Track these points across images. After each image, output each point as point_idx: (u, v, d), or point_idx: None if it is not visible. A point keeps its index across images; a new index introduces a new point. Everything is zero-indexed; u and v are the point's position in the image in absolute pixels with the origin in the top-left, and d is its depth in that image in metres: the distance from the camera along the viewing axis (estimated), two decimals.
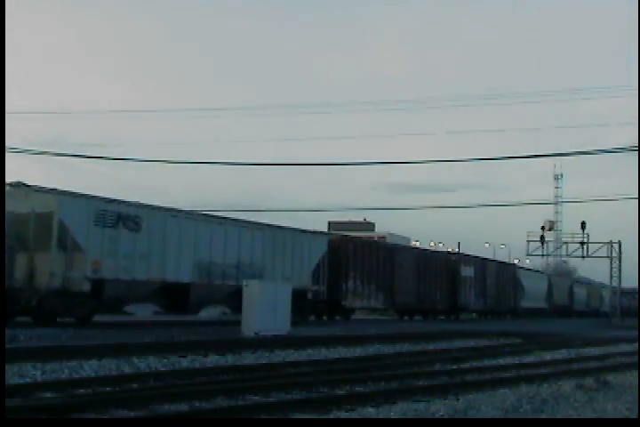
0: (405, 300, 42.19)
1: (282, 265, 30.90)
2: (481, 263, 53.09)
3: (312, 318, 34.05)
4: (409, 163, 73.22)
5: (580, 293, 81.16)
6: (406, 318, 46.24)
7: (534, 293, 63.31)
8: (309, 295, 32.49)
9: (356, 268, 37.10)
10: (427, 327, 33.87)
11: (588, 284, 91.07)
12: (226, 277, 28.34)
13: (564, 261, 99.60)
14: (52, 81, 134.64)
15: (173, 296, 26.61)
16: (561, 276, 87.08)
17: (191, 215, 28.15)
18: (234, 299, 27.16)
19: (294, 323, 25.68)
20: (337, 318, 37.34)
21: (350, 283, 36.42)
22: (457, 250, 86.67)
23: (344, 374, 14.17)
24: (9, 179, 21.07)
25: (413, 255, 44.48)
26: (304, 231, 33.53)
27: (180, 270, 26.41)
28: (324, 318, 35.91)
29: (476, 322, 48.14)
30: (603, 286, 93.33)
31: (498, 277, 54.83)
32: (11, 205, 22.44)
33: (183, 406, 10.29)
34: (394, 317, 46.61)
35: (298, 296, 28.99)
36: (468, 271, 49.60)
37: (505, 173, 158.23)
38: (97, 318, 25.67)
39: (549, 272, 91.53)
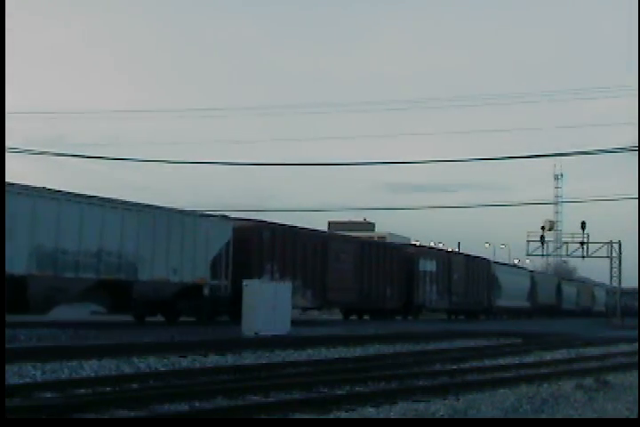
0: (343, 297, 36.15)
1: (166, 255, 26.17)
2: (445, 257, 47.82)
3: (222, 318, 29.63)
4: (409, 163, 72.95)
5: (569, 291, 76.63)
6: (354, 317, 41.54)
7: (513, 290, 57.88)
8: (206, 291, 27.71)
9: (275, 259, 31.13)
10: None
11: (580, 282, 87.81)
12: (80, 269, 23.39)
13: (564, 262, 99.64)
14: (53, 81, 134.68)
15: (8, 292, 20.83)
16: (551, 273, 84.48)
17: (27, 189, 22.37)
18: (106, 296, 24.16)
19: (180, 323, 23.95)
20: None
21: (265, 277, 29.52)
22: (457, 249, 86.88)
23: (344, 374, 14.17)
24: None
25: (354, 246, 37.58)
26: (200, 215, 28.94)
27: (13, 260, 21.06)
28: (227, 318, 29.59)
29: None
30: (596, 284, 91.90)
31: (468, 273, 49.26)
32: None
33: (183, 406, 10.29)
34: (338, 316, 42.21)
35: (189, 292, 26.48)
36: (428, 266, 43.83)
37: (505, 173, 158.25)
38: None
39: (550, 272, 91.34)
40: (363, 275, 37.68)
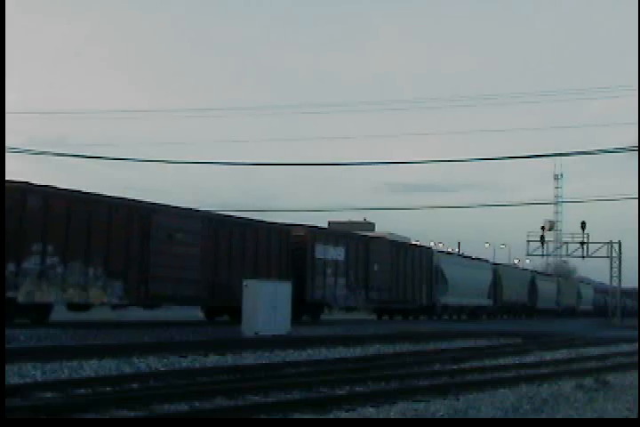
0: (179, 291, 26.93)
1: None
2: (360, 243, 37.07)
3: None
4: (409, 163, 73.19)
5: (547, 288, 68.09)
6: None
7: (466, 286, 48.71)
8: None
9: (49, 238, 22.74)
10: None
11: (563, 278, 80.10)
12: None
13: (564, 262, 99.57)
14: (54, 81, 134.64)
15: None
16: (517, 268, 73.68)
17: None
18: None
19: None
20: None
21: (33, 260, 22.16)
22: (457, 250, 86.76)
23: (344, 374, 14.17)
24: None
25: (200, 223, 28.17)
26: None
27: None
28: None
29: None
30: (582, 280, 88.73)
31: (396, 264, 39.73)
32: None
33: (183, 406, 10.29)
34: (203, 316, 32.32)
35: None
36: (331, 252, 34.17)
37: (505, 173, 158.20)
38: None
39: (550, 272, 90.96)
40: (217, 263, 28.50)
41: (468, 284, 48.98)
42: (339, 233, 37.19)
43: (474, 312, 52.17)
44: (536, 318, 64.56)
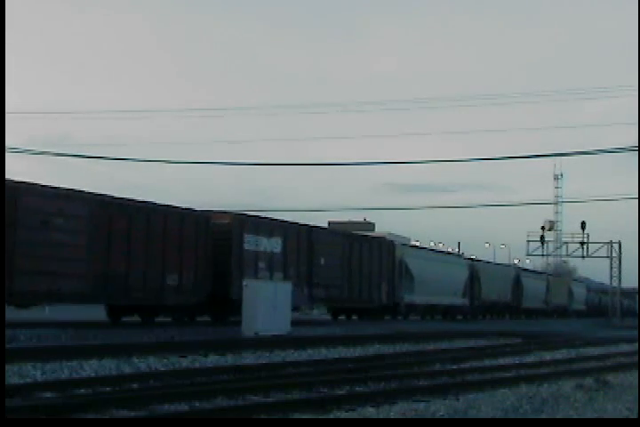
0: (36, 284, 21.98)
1: None
2: (301, 233, 32.16)
3: None
4: (409, 163, 73.00)
5: (534, 286, 63.28)
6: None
7: (437, 283, 43.81)
8: None
9: None
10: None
11: (553, 276, 76.09)
12: None
13: (564, 262, 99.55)
14: (54, 81, 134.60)
15: None
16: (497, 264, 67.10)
17: None
18: None
19: None
20: None
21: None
22: (457, 250, 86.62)
23: (344, 374, 14.17)
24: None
25: (87, 208, 23.72)
26: None
27: None
28: None
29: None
30: (575, 279, 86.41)
31: (350, 258, 35.12)
32: None
33: (183, 406, 10.29)
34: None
35: None
36: (264, 244, 29.55)
37: (505, 173, 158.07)
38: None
39: (550, 272, 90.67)
40: (111, 255, 24.23)
41: (438, 281, 43.98)
42: (274, 222, 31.29)
43: (447, 312, 47.92)
44: (522, 318, 61.63)
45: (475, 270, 51.97)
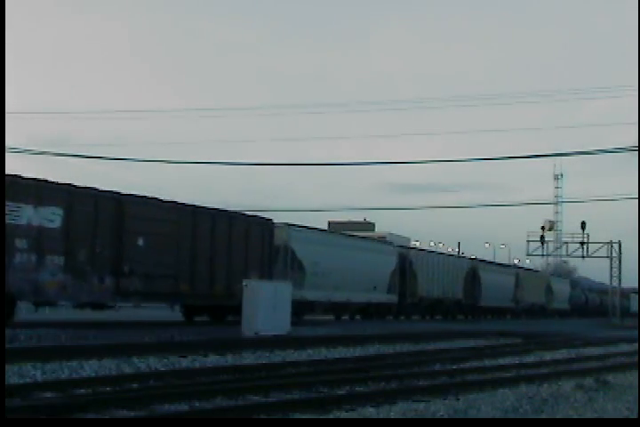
0: None
1: None
2: (102, 202, 23.90)
3: None
4: (409, 163, 73.45)
5: (497, 282, 53.96)
6: None
7: (344, 276, 35.07)
8: None
9: None
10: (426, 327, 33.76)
11: (526, 271, 66.59)
12: None
13: (564, 262, 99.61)
14: (54, 81, 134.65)
15: None
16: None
17: None
18: None
19: None
20: None
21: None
22: (457, 250, 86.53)
23: (344, 374, 14.17)
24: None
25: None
26: None
27: None
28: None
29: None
30: (556, 276, 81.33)
31: (195, 239, 26.78)
32: None
33: (183, 406, 10.29)
34: None
35: None
36: (26, 215, 21.68)
37: (505, 173, 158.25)
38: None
39: (550, 272, 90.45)
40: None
41: (346, 273, 35.17)
42: (49, 185, 22.57)
43: (365, 311, 39.07)
44: (479, 318, 53.51)
45: (407, 260, 42.59)
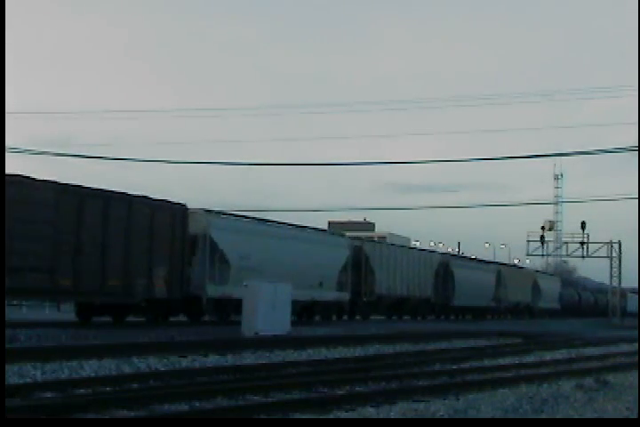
0: None
1: None
2: None
3: None
4: (409, 163, 73.24)
5: (474, 279, 48.50)
6: None
7: (281, 270, 29.71)
8: None
9: None
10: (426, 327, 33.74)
11: (509, 268, 61.77)
12: None
13: (564, 262, 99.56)
14: (54, 81, 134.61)
15: None
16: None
17: None
18: None
19: None
20: None
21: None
22: (458, 251, 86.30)
23: (344, 374, 14.17)
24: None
25: None
26: None
27: None
28: None
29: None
30: (543, 273, 76.31)
31: (77, 225, 23.02)
32: None
33: (183, 406, 10.29)
34: None
35: None
36: None
37: (505, 173, 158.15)
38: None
39: (549, 272, 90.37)
40: None
41: (286, 267, 30.41)
42: None
43: (309, 309, 33.33)
44: (452, 318, 48.68)
45: (362, 254, 37.63)
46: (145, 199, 25.36)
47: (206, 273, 27.34)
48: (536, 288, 61.22)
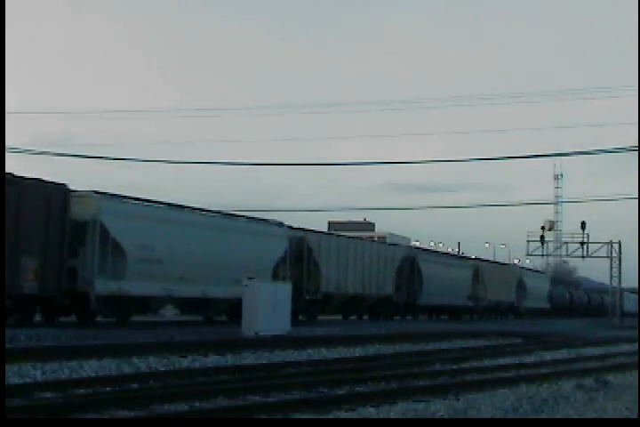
0: None
1: None
2: None
3: None
4: (409, 163, 73.29)
5: (446, 276, 43.78)
6: None
7: (198, 263, 26.23)
8: None
9: None
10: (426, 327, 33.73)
11: (497, 265, 58.10)
12: None
13: (564, 262, 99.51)
14: (54, 81, 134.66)
15: None
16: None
17: None
18: None
19: None
20: None
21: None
22: (458, 251, 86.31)
23: (344, 374, 14.17)
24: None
25: None
26: None
27: None
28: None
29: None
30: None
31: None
32: None
33: (183, 406, 10.29)
34: None
35: None
36: None
37: (505, 173, 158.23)
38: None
39: (549, 272, 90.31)
40: None
41: (202, 260, 26.43)
42: None
43: (235, 309, 26.21)
44: (420, 318, 43.77)
45: (304, 247, 32.56)
46: (10, 177, 20.69)
47: (95, 266, 22.94)
48: (521, 286, 56.99)
